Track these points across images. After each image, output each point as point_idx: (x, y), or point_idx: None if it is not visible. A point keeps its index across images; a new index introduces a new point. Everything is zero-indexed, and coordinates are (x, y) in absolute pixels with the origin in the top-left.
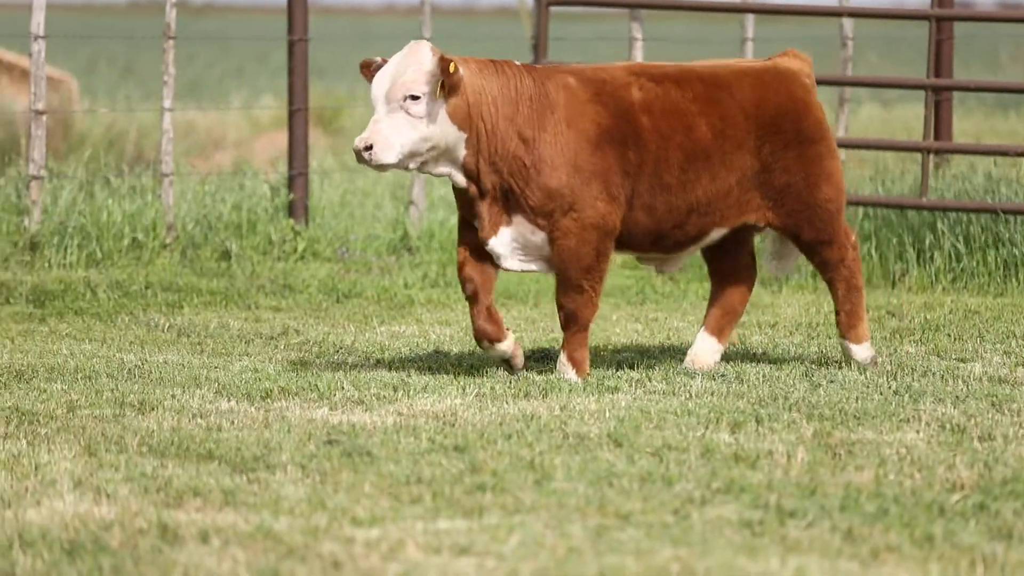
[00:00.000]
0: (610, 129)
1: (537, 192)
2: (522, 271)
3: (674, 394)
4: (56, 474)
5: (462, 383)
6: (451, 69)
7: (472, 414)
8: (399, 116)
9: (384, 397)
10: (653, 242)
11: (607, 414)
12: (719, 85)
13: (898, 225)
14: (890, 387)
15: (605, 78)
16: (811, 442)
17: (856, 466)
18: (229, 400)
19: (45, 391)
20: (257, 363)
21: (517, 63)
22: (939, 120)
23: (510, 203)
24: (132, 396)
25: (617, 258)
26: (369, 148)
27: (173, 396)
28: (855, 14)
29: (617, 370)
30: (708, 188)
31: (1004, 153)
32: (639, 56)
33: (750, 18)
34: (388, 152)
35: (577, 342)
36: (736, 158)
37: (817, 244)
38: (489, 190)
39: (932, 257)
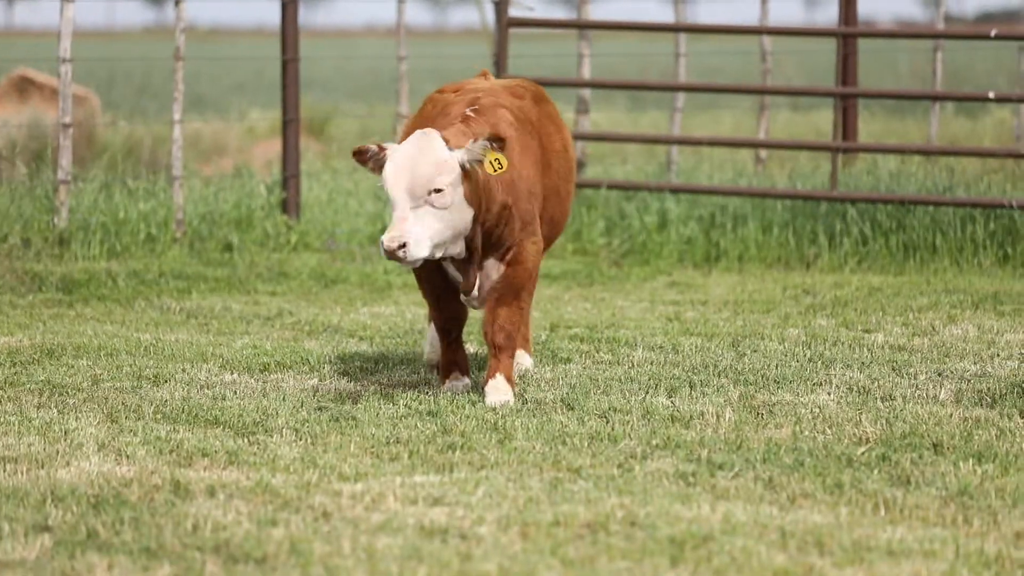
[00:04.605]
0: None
1: (515, 226)
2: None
3: (618, 364)
4: (83, 438)
5: None
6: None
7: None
8: (425, 211)
9: (367, 369)
10: None
11: (560, 382)
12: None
13: (811, 215)
14: (805, 355)
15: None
16: (737, 404)
17: (776, 424)
18: (232, 373)
19: (73, 367)
20: (256, 340)
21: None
22: (846, 123)
23: (485, 252)
24: (148, 370)
25: (569, 245)
26: (403, 246)
27: (183, 370)
28: (773, 31)
29: (569, 343)
30: None
31: (902, 151)
32: (587, 70)
33: (683, 36)
34: (421, 248)
35: (512, 360)
36: None
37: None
38: (476, 249)
39: (841, 242)
